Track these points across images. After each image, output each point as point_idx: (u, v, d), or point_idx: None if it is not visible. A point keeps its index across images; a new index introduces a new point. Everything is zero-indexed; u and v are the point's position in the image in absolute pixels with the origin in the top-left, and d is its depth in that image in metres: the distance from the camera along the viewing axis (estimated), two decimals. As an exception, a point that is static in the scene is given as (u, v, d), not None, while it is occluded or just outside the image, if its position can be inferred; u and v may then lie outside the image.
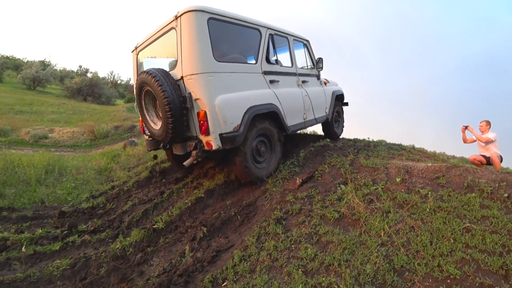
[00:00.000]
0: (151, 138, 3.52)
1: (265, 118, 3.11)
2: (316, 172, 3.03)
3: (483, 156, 4.67)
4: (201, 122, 2.57)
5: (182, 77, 2.67)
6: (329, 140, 4.28)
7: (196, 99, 2.61)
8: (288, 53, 3.87)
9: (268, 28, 3.34)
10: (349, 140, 4.94)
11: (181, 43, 2.65)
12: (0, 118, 12.36)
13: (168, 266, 2.38)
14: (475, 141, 4.80)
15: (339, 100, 5.11)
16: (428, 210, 2.23)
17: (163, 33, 2.97)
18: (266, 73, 3.26)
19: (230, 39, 3.13)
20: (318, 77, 4.55)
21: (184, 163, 2.82)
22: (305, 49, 4.31)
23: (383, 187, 2.64)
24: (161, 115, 2.80)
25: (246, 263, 1.99)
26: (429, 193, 2.46)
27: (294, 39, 3.96)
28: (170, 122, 2.60)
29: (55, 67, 33.13)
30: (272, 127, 3.20)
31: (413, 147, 4.64)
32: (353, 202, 2.37)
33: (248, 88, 2.97)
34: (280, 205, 2.66)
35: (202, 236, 2.59)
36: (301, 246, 1.97)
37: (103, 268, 2.49)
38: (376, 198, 2.48)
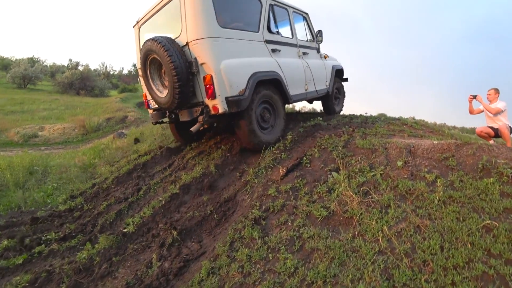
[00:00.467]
0: (155, 111, 3.55)
1: (269, 85, 3.13)
2: (304, 158, 2.61)
3: (491, 128, 4.32)
4: (207, 86, 2.58)
5: (187, 43, 2.69)
6: (321, 118, 3.83)
7: (202, 64, 2.63)
8: (288, 25, 3.89)
9: None
10: (345, 116, 4.46)
11: (185, 10, 2.67)
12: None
13: (133, 279, 2.04)
14: (482, 111, 4.45)
15: (338, 76, 5.06)
16: (437, 202, 1.82)
17: (166, 3, 2.97)
18: (268, 42, 3.31)
19: (233, 7, 3.16)
20: (318, 50, 4.57)
21: (191, 129, 2.82)
22: (305, 22, 4.33)
23: (382, 173, 2.22)
24: (167, 83, 2.85)
25: (214, 278, 1.62)
26: (438, 179, 2.04)
27: (293, 11, 3.99)
28: (177, 87, 2.60)
29: (45, 63, 32.38)
30: (275, 94, 3.22)
31: (415, 121, 4.17)
32: (346, 195, 1.97)
33: (251, 55, 3.01)
34: (261, 200, 2.27)
35: (172, 241, 2.23)
36: (280, 256, 1.59)
37: (64, 284, 2.17)
38: (374, 188, 2.07)
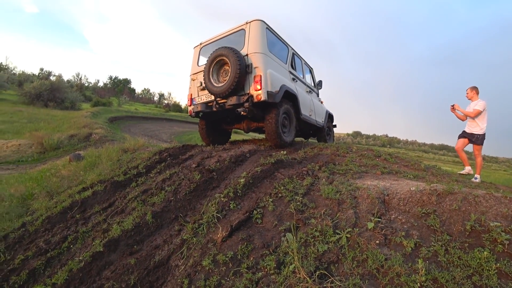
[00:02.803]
0: (200, 104, 4.38)
1: (288, 100, 4.28)
2: (255, 212, 2.09)
3: (465, 133, 4.28)
4: (256, 81, 3.71)
5: (247, 54, 3.91)
6: (285, 152, 3.43)
7: (255, 67, 3.82)
8: (301, 69, 5.36)
9: (292, 48, 4.94)
10: (314, 147, 4.06)
11: (249, 36, 3.98)
12: None
13: None
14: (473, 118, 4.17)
15: (330, 119, 6.55)
16: (417, 288, 1.36)
17: (233, 33, 4.26)
18: (290, 72, 4.70)
19: (274, 43, 4.38)
20: (318, 94, 6.17)
21: (238, 109, 3.76)
22: (310, 74, 5.96)
23: (348, 236, 1.75)
24: (222, 79, 4.05)
25: None
26: (418, 248, 1.59)
27: (304, 63, 5.59)
28: (237, 77, 3.68)
29: (13, 71, 30.55)
30: (292, 109, 4.33)
31: (388, 154, 3.81)
32: (297, 277, 1.46)
33: (282, 75, 4.27)
34: (194, 273, 1.71)
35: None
36: None
37: None
38: (337, 262, 1.58)
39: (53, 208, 3.85)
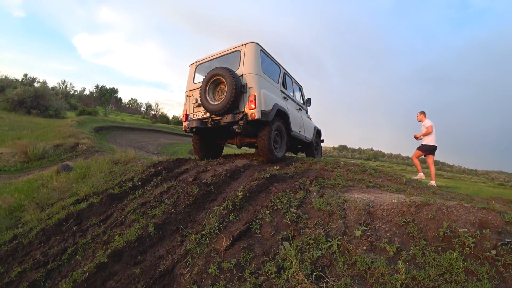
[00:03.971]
0: (196, 120, 4.56)
1: (280, 118, 4.52)
2: (254, 223, 2.28)
3: (421, 146, 5.86)
4: (251, 101, 3.94)
5: (242, 75, 4.15)
6: (277, 167, 3.67)
7: (249, 87, 4.05)
8: (291, 88, 5.66)
9: (284, 68, 5.25)
10: (304, 162, 4.32)
11: (244, 58, 4.23)
12: None
13: None
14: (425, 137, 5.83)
15: (318, 134, 6.87)
16: (399, 286, 1.58)
17: (228, 53, 4.50)
18: (282, 91, 5.00)
19: (268, 64, 4.65)
20: (306, 111, 6.53)
21: (233, 127, 4.01)
22: (300, 92, 6.29)
23: (339, 243, 1.97)
24: (218, 97, 4.28)
25: None
26: (399, 252, 1.84)
27: (295, 81, 5.91)
28: (233, 97, 3.91)
29: (-5, 77, 29.61)
30: (283, 126, 4.59)
31: (373, 169, 4.12)
32: (297, 279, 1.66)
33: (274, 94, 4.55)
34: (200, 280, 1.87)
35: None
36: None
37: None
38: (330, 265, 1.79)
39: (47, 220, 3.88)
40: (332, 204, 2.41)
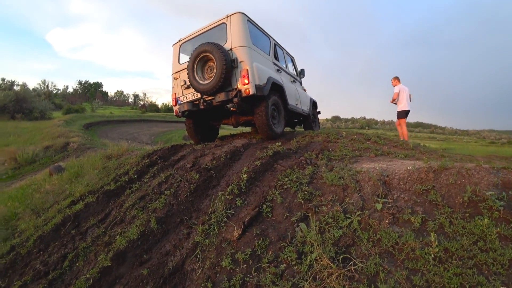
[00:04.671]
0: (186, 103, 4.29)
1: (275, 92, 4.27)
2: (264, 206, 2.11)
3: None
4: (244, 75, 3.66)
5: (231, 48, 3.84)
6: (279, 143, 3.45)
7: (240, 61, 3.75)
8: (283, 59, 5.33)
9: (273, 39, 4.89)
10: (305, 136, 4.12)
11: (231, 30, 3.90)
12: None
13: None
14: (395, 100, 6.28)
15: (314, 106, 6.69)
16: (432, 260, 1.44)
17: (213, 27, 4.16)
18: (274, 63, 4.68)
19: (257, 35, 4.32)
20: (301, 83, 6.28)
21: (227, 106, 3.75)
22: (292, 63, 5.98)
23: (359, 219, 1.81)
24: (207, 76, 3.97)
25: None
26: (425, 223, 1.69)
27: (286, 52, 5.56)
28: (224, 73, 3.60)
29: (-29, 84, 28.26)
30: (279, 100, 4.34)
31: (377, 136, 3.94)
32: (321, 264, 1.50)
33: (267, 67, 4.28)
34: (214, 275, 1.71)
35: None
36: None
37: None
38: (353, 245, 1.64)
39: (43, 226, 3.68)
40: (344, 177, 2.24)
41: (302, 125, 6.34)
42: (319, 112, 6.94)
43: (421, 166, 2.25)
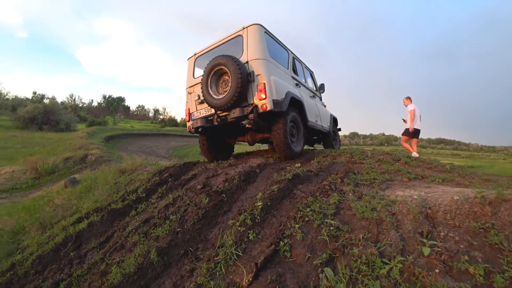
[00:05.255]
0: (200, 119, 4.04)
1: (294, 108, 3.99)
2: (281, 243, 1.77)
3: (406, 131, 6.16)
4: (260, 90, 3.41)
5: (247, 61, 3.61)
6: (299, 165, 3.12)
7: (257, 75, 3.51)
8: (302, 74, 5.06)
9: (292, 52, 4.65)
10: (326, 155, 3.77)
11: (247, 42, 3.69)
12: None
13: None
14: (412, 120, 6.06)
15: (334, 123, 6.33)
16: None
17: (229, 40, 3.96)
18: (293, 78, 4.43)
19: (274, 48, 4.10)
20: (320, 98, 5.95)
21: (243, 122, 3.49)
22: (311, 77, 5.67)
23: (400, 266, 1.43)
24: (222, 90, 3.74)
25: None
26: (490, 276, 1.29)
27: (305, 67, 5.31)
28: (239, 86, 3.36)
29: (6, 96, 30.17)
30: (298, 116, 4.07)
31: (408, 157, 3.52)
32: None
33: (285, 81, 4.02)
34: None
35: None
36: None
37: None
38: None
39: (46, 245, 3.51)
40: (377, 208, 1.87)
41: (322, 143, 6.01)
42: (339, 129, 6.60)
43: (470, 196, 1.85)
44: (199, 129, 4.20)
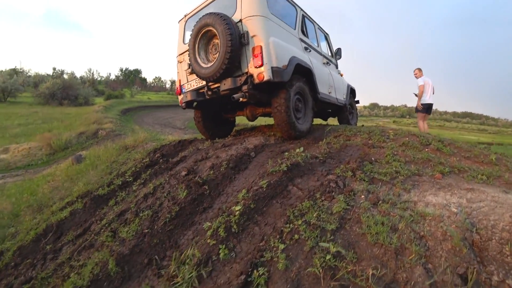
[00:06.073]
0: (190, 92, 3.51)
1: (301, 76, 3.31)
2: (255, 272, 1.27)
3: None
4: (256, 55, 2.79)
5: (240, 20, 2.96)
6: (301, 149, 2.52)
7: (253, 36, 2.87)
8: (314, 36, 4.27)
9: (301, 10, 3.85)
10: (338, 134, 3.15)
11: None
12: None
13: None
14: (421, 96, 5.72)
15: (352, 94, 5.47)
16: None
17: None
18: (301, 40, 3.68)
19: (277, 3, 3.39)
20: (336, 66, 5.07)
21: (234, 96, 2.88)
22: (326, 41, 4.84)
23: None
24: (212, 57, 3.15)
25: None
26: None
27: (318, 28, 4.46)
28: (229, 51, 2.77)
29: (28, 74, 30.93)
30: (306, 87, 3.39)
31: (440, 140, 2.80)
32: None
33: (290, 44, 3.30)
34: None
35: None
36: None
37: None
38: None
39: (31, 231, 3.28)
40: (398, 226, 1.30)
41: (337, 117, 5.23)
42: (357, 101, 5.79)
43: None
44: (193, 104, 3.68)
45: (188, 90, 3.57)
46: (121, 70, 45.48)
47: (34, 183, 5.97)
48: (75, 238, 2.64)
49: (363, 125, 4.31)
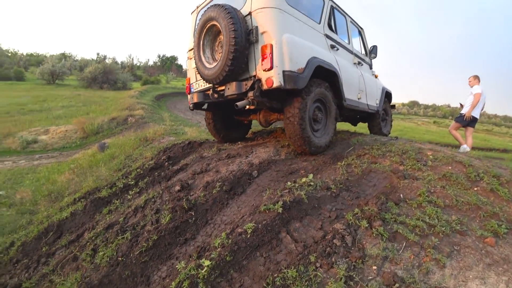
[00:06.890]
0: (197, 93, 3.21)
1: (323, 81, 2.86)
2: None
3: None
4: (265, 56, 2.37)
5: (250, 13, 2.54)
6: (311, 177, 2.09)
7: (263, 32, 2.44)
8: (345, 31, 3.74)
9: (330, 0, 3.32)
10: (363, 154, 2.65)
11: None
12: (1, 121, 11.59)
13: None
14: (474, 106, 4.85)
15: (387, 98, 4.90)
16: None
17: None
18: (327, 36, 3.18)
19: None
20: (370, 66, 4.47)
21: (237, 103, 2.52)
22: (360, 37, 4.23)
23: None
24: (217, 56, 2.78)
25: None
26: None
27: (351, 21, 3.90)
28: (234, 50, 2.39)
29: (76, 58, 33.15)
30: (329, 93, 2.93)
31: (495, 176, 2.11)
32: None
33: (311, 41, 2.82)
34: None
35: None
36: None
37: None
38: None
39: (38, 226, 3.28)
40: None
41: (367, 124, 4.65)
42: (393, 106, 5.12)
43: None
44: (203, 105, 3.39)
45: (195, 90, 3.27)
46: (159, 56, 46.98)
47: (60, 168, 6.19)
48: (68, 243, 2.54)
49: (396, 137, 3.70)
